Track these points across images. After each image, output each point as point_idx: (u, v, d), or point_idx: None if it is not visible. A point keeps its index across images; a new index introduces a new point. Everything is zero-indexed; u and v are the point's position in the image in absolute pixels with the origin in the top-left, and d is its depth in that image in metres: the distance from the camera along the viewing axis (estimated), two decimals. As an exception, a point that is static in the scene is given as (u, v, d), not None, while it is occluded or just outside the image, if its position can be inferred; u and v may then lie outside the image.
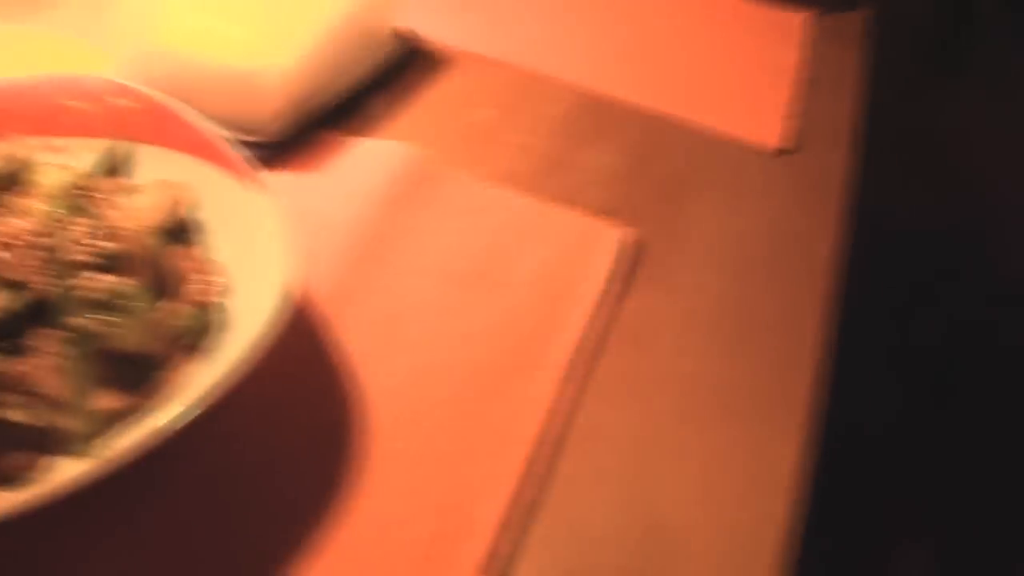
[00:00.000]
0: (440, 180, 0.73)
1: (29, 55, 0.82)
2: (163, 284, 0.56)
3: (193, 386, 0.51)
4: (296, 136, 0.75)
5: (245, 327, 0.52)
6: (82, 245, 0.53)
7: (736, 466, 0.58)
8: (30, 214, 0.54)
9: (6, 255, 0.51)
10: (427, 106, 0.83)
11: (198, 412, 0.47)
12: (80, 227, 0.54)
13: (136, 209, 0.59)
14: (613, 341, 0.64)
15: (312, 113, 0.76)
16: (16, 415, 0.50)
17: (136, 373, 0.53)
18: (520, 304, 0.65)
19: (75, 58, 0.80)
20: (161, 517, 0.52)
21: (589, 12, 0.99)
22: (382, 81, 0.83)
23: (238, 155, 0.60)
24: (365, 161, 0.74)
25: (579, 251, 0.69)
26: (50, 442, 0.51)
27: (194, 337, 0.55)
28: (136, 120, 0.64)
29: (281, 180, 0.71)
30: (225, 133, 0.63)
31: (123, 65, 0.76)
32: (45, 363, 0.51)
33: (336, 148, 0.75)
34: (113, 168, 0.63)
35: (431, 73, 0.86)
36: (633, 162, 0.79)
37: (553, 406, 0.59)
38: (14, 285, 0.51)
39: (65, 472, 0.49)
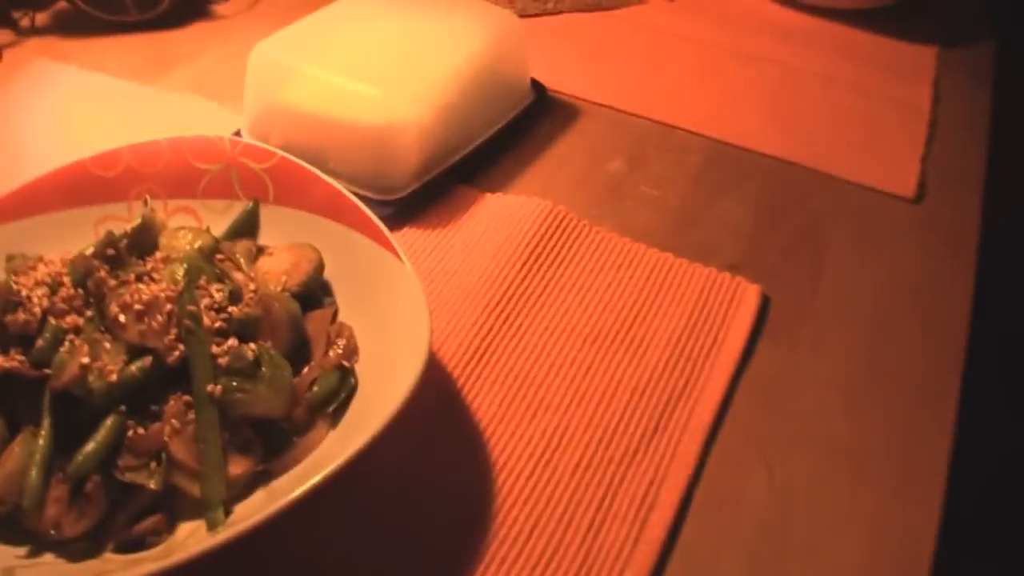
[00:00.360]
0: (574, 236, 0.71)
1: (160, 115, 0.83)
2: (297, 348, 0.56)
3: (329, 453, 0.49)
4: (428, 191, 0.74)
5: (382, 392, 0.50)
6: (215, 311, 0.53)
7: (869, 532, 0.54)
8: (163, 279, 0.54)
9: (139, 321, 0.51)
10: (558, 158, 0.81)
11: (333, 481, 0.45)
12: (213, 292, 0.54)
13: (269, 272, 0.58)
14: (742, 400, 0.61)
15: (445, 167, 0.75)
16: (148, 481, 0.49)
17: (271, 438, 0.52)
18: (657, 365, 0.62)
19: (205, 118, 0.81)
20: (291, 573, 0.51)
21: (715, 60, 0.97)
22: (513, 133, 0.82)
23: (370, 215, 0.59)
24: (500, 217, 0.73)
25: (715, 310, 0.66)
26: (182, 507, 0.51)
27: (330, 401, 0.53)
28: (267, 181, 0.64)
29: (414, 237, 0.71)
30: (357, 192, 0.62)
31: (253, 125, 0.76)
32: (177, 429, 0.50)
33: (469, 203, 0.74)
34: (244, 230, 0.63)
35: (561, 125, 0.85)
36: (766, 214, 0.77)
37: (693, 471, 0.56)
38: (147, 351, 0.51)
39: (196, 538, 0.48)
